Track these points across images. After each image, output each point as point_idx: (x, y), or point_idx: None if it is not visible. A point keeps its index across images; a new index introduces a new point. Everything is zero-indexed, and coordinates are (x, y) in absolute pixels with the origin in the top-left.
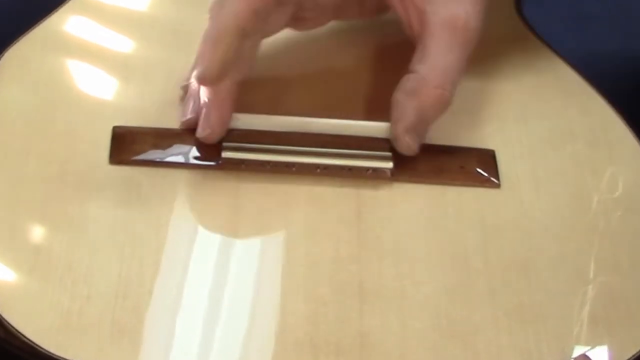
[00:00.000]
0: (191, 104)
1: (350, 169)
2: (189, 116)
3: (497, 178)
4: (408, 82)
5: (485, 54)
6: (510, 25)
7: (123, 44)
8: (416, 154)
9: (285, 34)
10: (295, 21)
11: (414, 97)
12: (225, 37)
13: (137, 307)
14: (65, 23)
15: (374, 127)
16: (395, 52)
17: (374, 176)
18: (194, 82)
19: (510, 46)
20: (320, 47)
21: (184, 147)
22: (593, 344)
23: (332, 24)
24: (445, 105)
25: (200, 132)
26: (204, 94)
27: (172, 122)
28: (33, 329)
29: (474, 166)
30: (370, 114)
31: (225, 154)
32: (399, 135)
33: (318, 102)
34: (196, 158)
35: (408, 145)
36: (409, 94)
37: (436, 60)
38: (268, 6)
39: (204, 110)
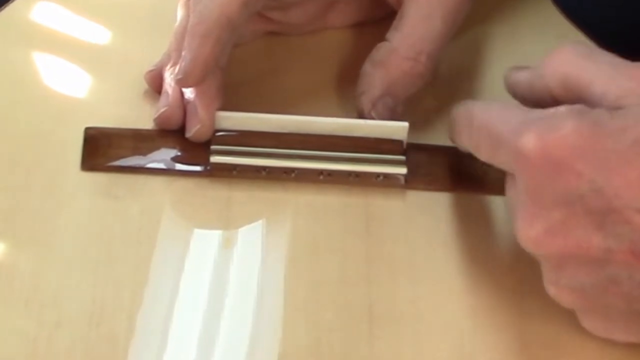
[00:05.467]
0: (164, 97)
1: (358, 175)
2: (162, 110)
3: None
4: (378, 51)
5: (518, 44)
6: (551, 20)
7: (97, 35)
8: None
9: None
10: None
11: (382, 68)
12: (214, 32)
13: (114, 334)
14: (31, 10)
15: (384, 127)
16: None
17: (386, 183)
18: (168, 77)
19: (545, 37)
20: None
21: (168, 151)
22: None
23: None
24: (417, 79)
25: (190, 130)
26: (185, 89)
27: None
28: None
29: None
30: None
31: (215, 159)
32: (363, 109)
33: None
34: (182, 163)
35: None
36: (376, 65)
37: (412, 28)
38: None
39: (188, 107)
